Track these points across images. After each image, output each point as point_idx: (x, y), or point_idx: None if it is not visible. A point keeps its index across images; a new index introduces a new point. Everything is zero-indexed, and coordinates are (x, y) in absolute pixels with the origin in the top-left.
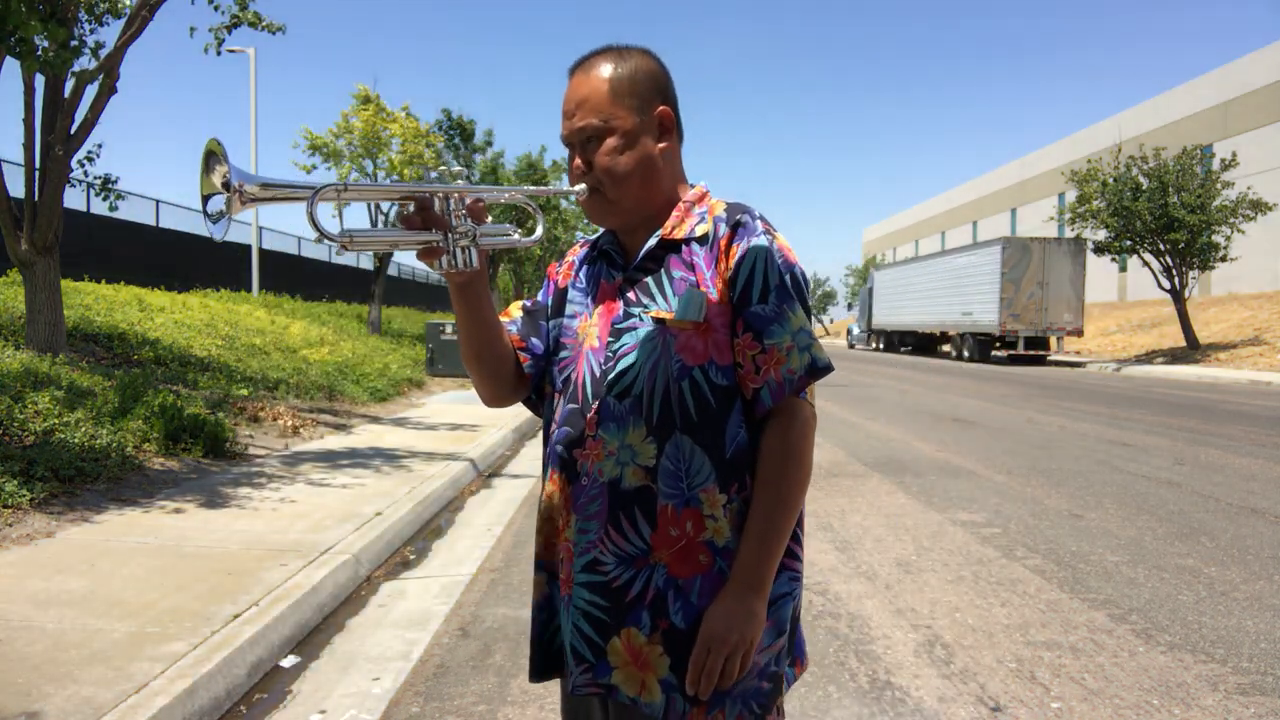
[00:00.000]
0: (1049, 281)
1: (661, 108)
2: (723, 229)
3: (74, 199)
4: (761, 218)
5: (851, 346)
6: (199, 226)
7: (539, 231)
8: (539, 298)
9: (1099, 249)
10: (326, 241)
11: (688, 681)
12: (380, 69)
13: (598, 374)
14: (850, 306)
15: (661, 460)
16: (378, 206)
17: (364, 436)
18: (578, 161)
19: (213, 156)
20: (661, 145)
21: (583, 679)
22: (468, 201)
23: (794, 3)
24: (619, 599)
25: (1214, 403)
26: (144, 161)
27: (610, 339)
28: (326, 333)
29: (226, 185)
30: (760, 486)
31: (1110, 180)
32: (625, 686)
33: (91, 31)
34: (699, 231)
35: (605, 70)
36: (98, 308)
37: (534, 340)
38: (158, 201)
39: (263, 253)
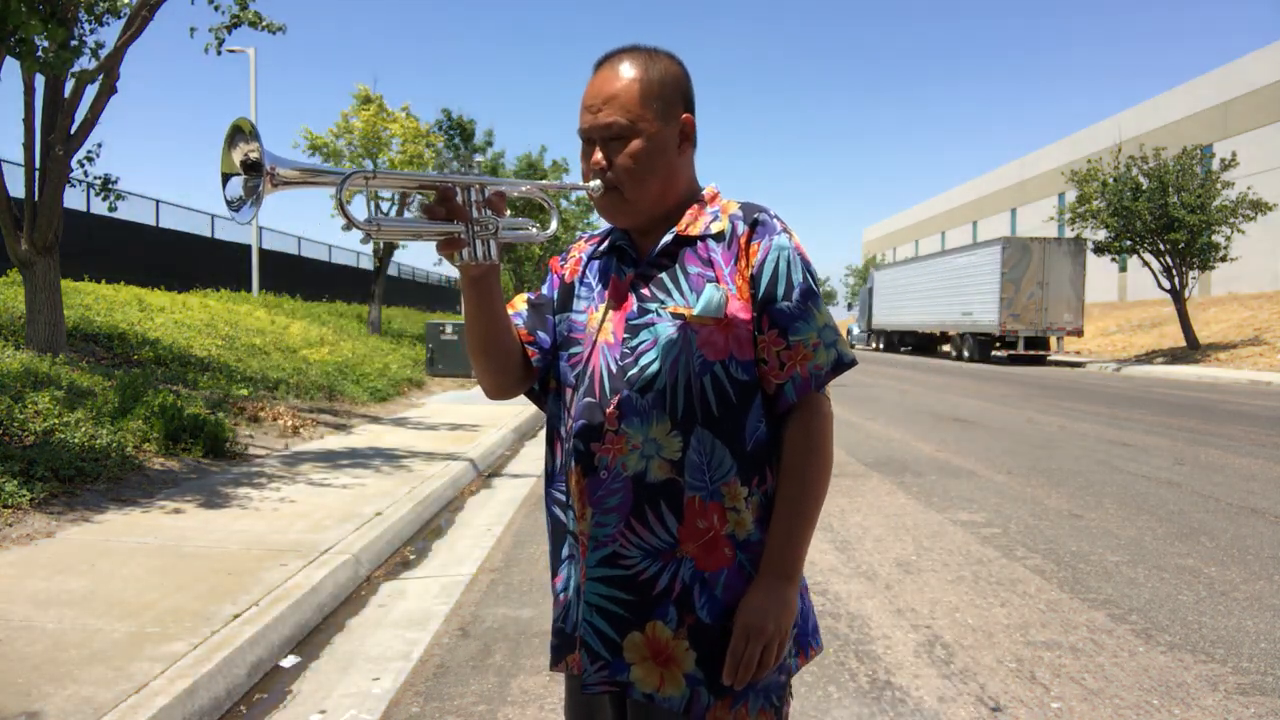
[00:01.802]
0: (1049, 281)
1: (685, 115)
2: (741, 226)
3: (74, 199)
4: (777, 216)
5: (851, 346)
6: (199, 226)
7: (554, 225)
8: (543, 291)
9: (1099, 249)
10: (354, 229)
11: (725, 672)
12: (380, 69)
13: (615, 370)
14: (850, 306)
15: (688, 453)
16: (377, 195)
17: (364, 436)
18: (597, 156)
19: (240, 134)
20: (682, 152)
21: (596, 676)
22: (487, 194)
23: (794, 3)
24: (645, 592)
25: (1214, 403)
26: (144, 161)
27: (627, 335)
28: (326, 333)
29: (255, 166)
30: (785, 478)
31: (1110, 180)
32: (642, 683)
33: (91, 31)
34: (714, 229)
35: (635, 70)
36: (98, 308)
37: (541, 334)
38: (158, 201)
39: (263, 253)
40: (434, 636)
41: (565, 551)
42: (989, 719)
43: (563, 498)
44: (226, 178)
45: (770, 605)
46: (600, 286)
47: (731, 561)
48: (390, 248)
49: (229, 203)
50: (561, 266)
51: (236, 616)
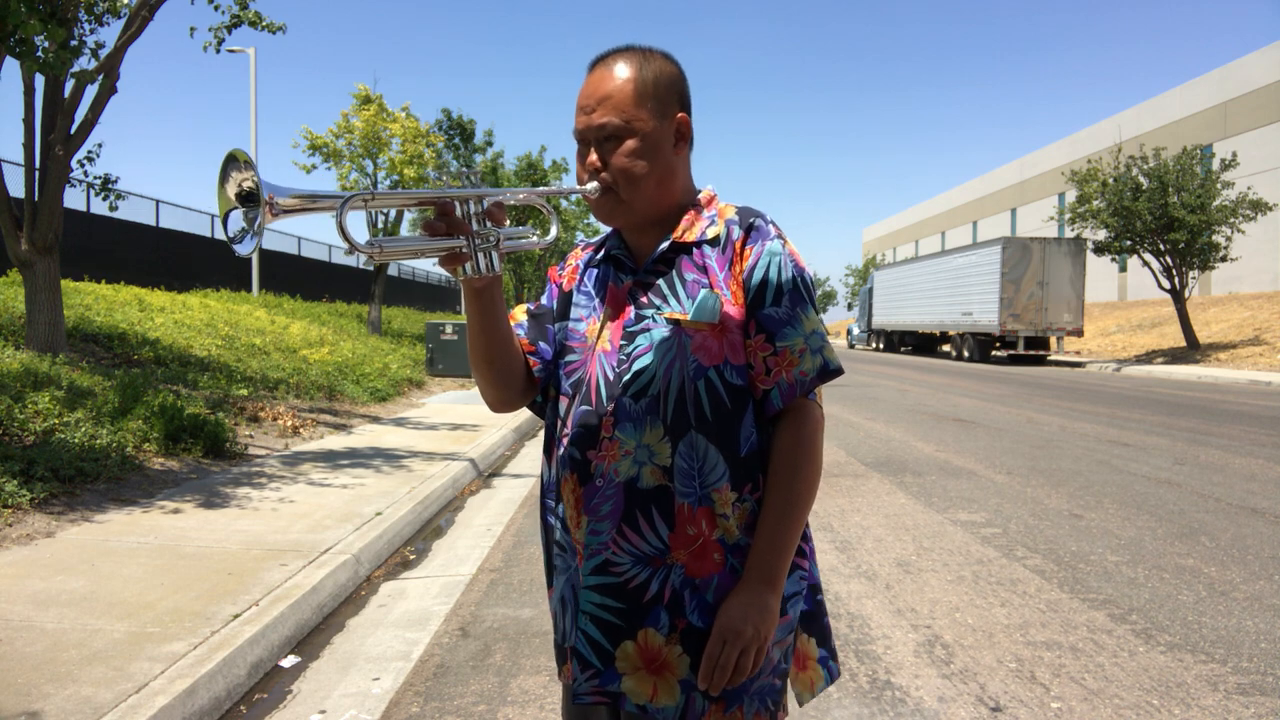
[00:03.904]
0: (1049, 281)
1: (680, 114)
2: (736, 231)
3: (74, 199)
4: (773, 222)
5: (851, 346)
6: (199, 226)
7: (554, 231)
8: (542, 301)
9: (1099, 249)
10: (356, 253)
11: (700, 675)
12: (380, 69)
13: (611, 376)
14: (850, 306)
15: (676, 459)
16: (377, 212)
17: (364, 436)
18: (593, 157)
19: (235, 164)
20: (678, 151)
21: (588, 685)
22: (486, 205)
23: (794, 3)
24: (636, 599)
25: (1214, 403)
26: (144, 161)
27: (623, 342)
28: (326, 333)
29: (252, 197)
30: (772, 484)
31: (1110, 180)
32: (635, 694)
33: (91, 31)
34: (710, 234)
35: (629, 70)
36: (98, 308)
37: (542, 344)
38: (158, 201)
39: (263, 253)
40: (434, 636)
41: (555, 562)
42: (989, 719)
43: (553, 505)
44: (226, 214)
45: (750, 610)
46: (598, 295)
47: (722, 566)
48: None
49: (230, 237)
50: (560, 275)
51: (236, 616)
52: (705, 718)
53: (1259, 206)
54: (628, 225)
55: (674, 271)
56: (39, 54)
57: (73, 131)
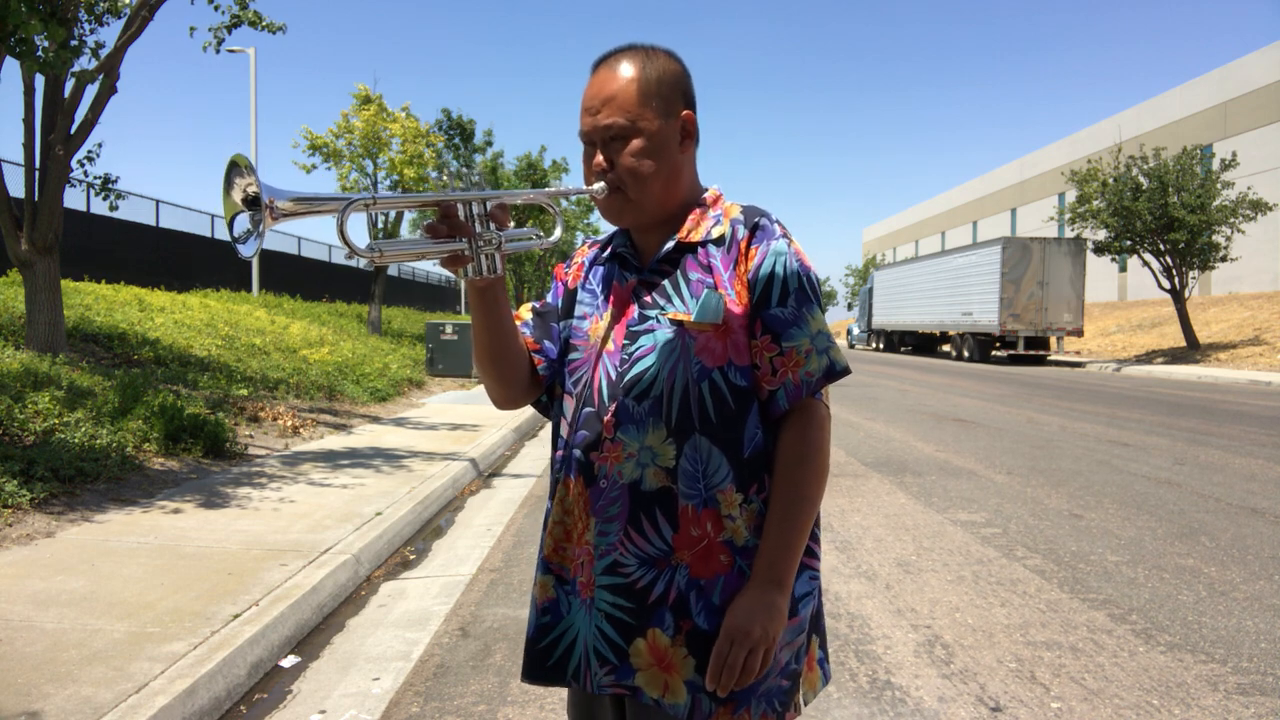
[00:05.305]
0: (1049, 281)
1: (685, 112)
2: (741, 231)
3: (74, 199)
4: (778, 221)
5: (851, 346)
6: (199, 226)
7: (557, 232)
8: (548, 299)
9: (1099, 249)
10: (357, 257)
11: (708, 676)
12: (380, 69)
13: (614, 377)
14: (850, 306)
15: (680, 461)
16: (378, 213)
17: (364, 436)
18: (599, 158)
19: (237, 170)
20: (684, 150)
21: (606, 679)
22: (489, 207)
23: (794, 3)
24: (642, 600)
25: (1214, 403)
26: (144, 161)
27: (626, 341)
28: (326, 333)
29: (255, 201)
30: (779, 484)
31: (1110, 180)
32: (649, 688)
33: (91, 31)
34: (715, 233)
35: (633, 70)
36: (98, 308)
37: (547, 343)
38: (158, 201)
39: (263, 253)
40: (434, 636)
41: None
42: (989, 719)
43: (550, 505)
44: (232, 219)
45: (758, 610)
46: (603, 294)
47: (729, 568)
48: None
49: (235, 239)
50: (565, 273)
51: (236, 616)
52: (713, 719)
53: (1259, 206)
54: (635, 225)
55: (678, 271)
56: (39, 54)
57: (73, 131)
